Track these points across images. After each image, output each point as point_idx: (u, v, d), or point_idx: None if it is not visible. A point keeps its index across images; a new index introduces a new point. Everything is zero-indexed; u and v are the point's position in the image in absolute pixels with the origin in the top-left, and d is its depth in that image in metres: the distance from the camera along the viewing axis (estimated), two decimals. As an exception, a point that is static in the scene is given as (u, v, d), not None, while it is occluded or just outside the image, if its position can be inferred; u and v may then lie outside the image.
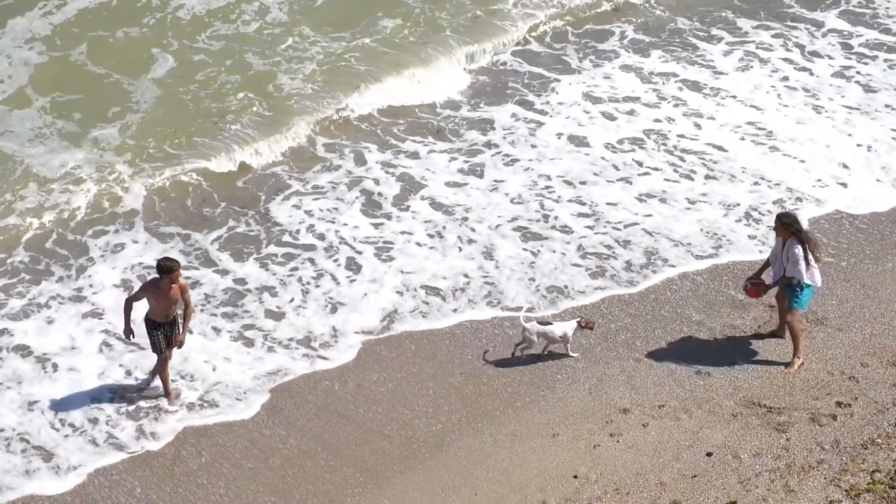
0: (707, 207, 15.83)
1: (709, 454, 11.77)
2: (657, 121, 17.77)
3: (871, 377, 12.64)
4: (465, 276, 14.67)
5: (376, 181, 16.39)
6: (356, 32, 19.22)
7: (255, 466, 12.10)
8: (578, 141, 17.27)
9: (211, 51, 18.69)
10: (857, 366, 12.82)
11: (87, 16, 19.27)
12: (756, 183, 16.27)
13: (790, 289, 12.74)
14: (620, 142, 17.24)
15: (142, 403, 12.76)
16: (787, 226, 12.65)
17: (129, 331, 12.61)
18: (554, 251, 15.08)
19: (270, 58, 18.50)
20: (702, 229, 15.35)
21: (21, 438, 12.37)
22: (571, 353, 13.28)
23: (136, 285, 13.95)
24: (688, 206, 15.89)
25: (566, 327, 13.22)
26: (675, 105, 18.09)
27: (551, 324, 13.30)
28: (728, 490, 11.27)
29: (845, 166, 16.56)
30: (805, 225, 13.68)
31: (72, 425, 12.50)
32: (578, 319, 13.28)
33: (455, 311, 14.08)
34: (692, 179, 16.42)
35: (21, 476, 11.96)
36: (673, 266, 14.71)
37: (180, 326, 12.65)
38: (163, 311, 12.46)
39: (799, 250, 12.54)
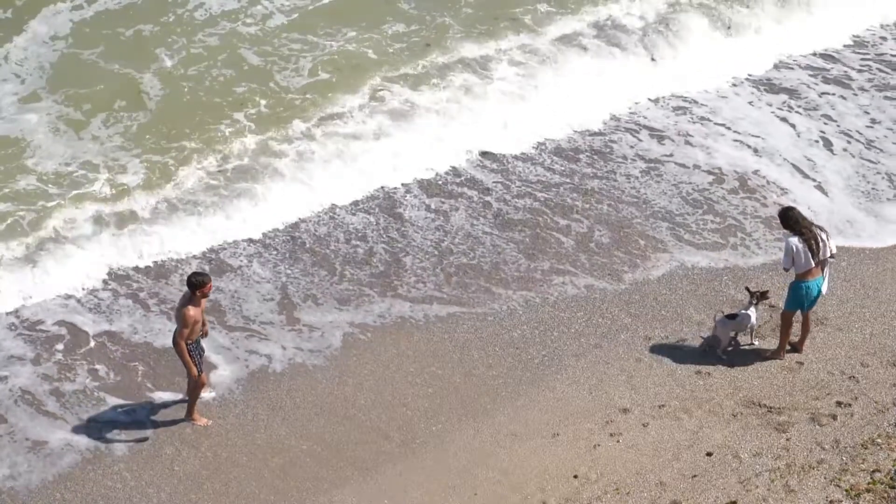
0: (680, 172, 15.72)
1: (709, 454, 11.77)
2: (501, 51, 18.00)
3: (871, 377, 12.64)
4: (366, 241, 14.65)
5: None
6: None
7: (255, 466, 12.09)
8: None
9: (212, 46, 18.75)
10: (857, 366, 12.82)
11: (104, 15, 19.25)
12: (709, 153, 16.38)
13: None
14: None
15: (143, 403, 12.79)
16: (783, 221, 12.68)
17: (199, 371, 12.17)
18: (458, 208, 15.04)
19: (267, 56, 18.49)
20: (689, 201, 15.21)
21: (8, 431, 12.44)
22: (755, 341, 13.17)
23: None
24: (649, 167, 15.74)
25: (751, 311, 12.96)
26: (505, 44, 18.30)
27: (737, 314, 13.08)
28: (728, 490, 11.27)
29: (813, 163, 16.57)
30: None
31: (64, 420, 12.55)
32: (750, 296, 13.01)
33: (345, 306, 13.92)
34: (635, 135, 16.31)
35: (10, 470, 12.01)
36: (668, 251, 14.57)
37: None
38: (199, 328, 12.10)
39: (789, 241, 12.52)
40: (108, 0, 19.41)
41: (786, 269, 12.71)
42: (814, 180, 16.26)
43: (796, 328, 13.12)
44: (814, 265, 12.55)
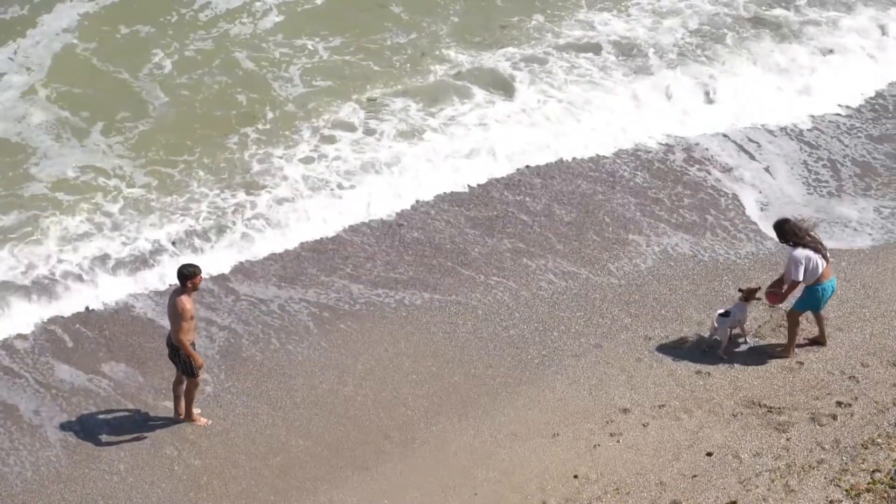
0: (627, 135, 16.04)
1: (709, 454, 11.77)
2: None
3: (871, 377, 12.64)
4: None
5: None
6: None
7: (255, 466, 12.10)
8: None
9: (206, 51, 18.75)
10: (857, 366, 12.82)
11: (106, 12, 19.24)
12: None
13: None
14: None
15: (143, 404, 12.80)
16: (780, 235, 12.72)
17: (200, 363, 12.12)
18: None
19: (265, 60, 18.54)
20: (654, 173, 15.26)
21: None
22: (749, 340, 13.18)
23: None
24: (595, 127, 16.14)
25: (741, 307, 12.95)
26: None
27: (728, 310, 13.07)
28: (728, 490, 11.27)
29: (757, 144, 16.65)
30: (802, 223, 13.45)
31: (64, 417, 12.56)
32: (739, 295, 13.03)
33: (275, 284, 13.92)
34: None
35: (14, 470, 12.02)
36: (645, 235, 14.62)
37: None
38: (194, 323, 12.04)
39: (795, 254, 12.54)
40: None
41: (807, 284, 12.63)
42: (760, 163, 16.38)
43: (774, 318, 13.19)
44: (825, 266, 12.60)
